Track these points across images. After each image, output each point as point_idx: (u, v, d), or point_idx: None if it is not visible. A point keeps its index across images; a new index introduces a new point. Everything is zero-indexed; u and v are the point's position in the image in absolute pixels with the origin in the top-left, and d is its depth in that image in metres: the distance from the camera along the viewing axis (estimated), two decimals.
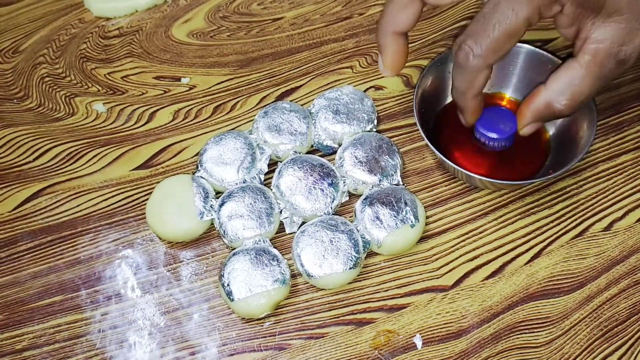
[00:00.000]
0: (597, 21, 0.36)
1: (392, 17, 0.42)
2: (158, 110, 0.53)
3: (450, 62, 0.48)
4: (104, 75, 0.55)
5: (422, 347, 0.42)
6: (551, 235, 0.46)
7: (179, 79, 0.54)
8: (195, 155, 0.50)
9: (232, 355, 0.42)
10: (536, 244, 0.46)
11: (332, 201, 0.46)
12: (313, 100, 0.51)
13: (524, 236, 0.46)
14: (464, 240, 0.46)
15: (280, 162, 0.48)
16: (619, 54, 0.37)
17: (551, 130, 0.49)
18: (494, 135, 0.44)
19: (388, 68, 0.44)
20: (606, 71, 0.37)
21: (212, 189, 0.47)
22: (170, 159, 0.50)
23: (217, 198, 0.46)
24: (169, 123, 0.52)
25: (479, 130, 0.44)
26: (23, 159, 0.50)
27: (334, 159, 0.48)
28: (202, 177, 0.47)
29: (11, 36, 0.57)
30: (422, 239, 0.46)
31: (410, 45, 0.55)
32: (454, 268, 0.45)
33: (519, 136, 0.49)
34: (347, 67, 0.55)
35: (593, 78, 0.38)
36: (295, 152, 0.48)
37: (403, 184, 0.47)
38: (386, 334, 0.42)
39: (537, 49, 0.48)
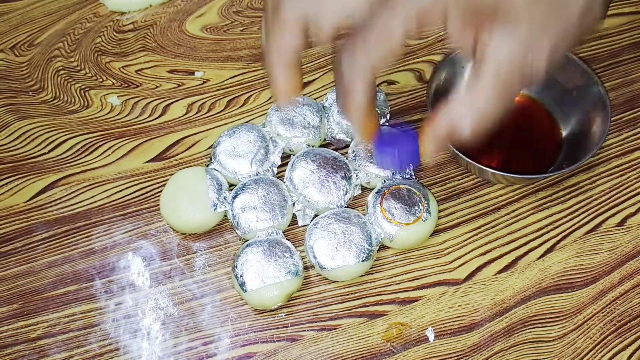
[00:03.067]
0: (493, 32, 0.30)
1: (273, 45, 0.35)
2: (172, 103, 0.53)
3: (463, 58, 0.48)
4: (119, 68, 0.55)
5: (434, 340, 0.42)
6: (564, 230, 0.46)
7: (192, 73, 0.55)
8: (209, 148, 0.50)
9: (244, 345, 0.42)
10: (549, 239, 0.46)
11: (345, 194, 0.46)
12: (326, 94, 0.51)
13: (536, 231, 0.46)
14: (476, 234, 0.46)
15: (293, 155, 0.48)
16: (524, 69, 0.31)
17: (565, 125, 0.48)
18: (391, 158, 0.38)
19: (281, 96, 0.36)
20: (510, 88, 0.32)
21: (225, 181, 0.47)
22: (183, 151, 0.50)
23: (231, 190, 0.46)
24: (182, 116, 0.52)
25: (376, 153, 0.38)
26: (38, 151, 0.50)
27: (346, 152, 0.48)
28: (215, 170, 0.47)
29: (27, 30, 0.58)
30: (435, 232, 0.46)
31: (422, 41, 0.56)
32: (466, 262, 0.45)
33: (532, 130, 0.49)
34: None
35: (496, 98, 0.32)
36: (308, 145, 0.48)
37: (415, 178, 0.47)
38: (398, 326, 0.42)
39: None
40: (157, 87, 0.54)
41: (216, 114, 0.52)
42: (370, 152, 0.46)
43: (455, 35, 0.32)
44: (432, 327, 0.42)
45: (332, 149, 0.49)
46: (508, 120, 0.49)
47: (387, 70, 0.54)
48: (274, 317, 0.43)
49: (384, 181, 0.46)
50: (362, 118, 0.36)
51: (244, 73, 0.54)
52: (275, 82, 0.35)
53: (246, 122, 0.52)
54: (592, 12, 0.31)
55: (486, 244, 0.46)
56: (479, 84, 0.32)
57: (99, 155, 0.50)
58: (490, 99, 0.32)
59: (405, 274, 0.44)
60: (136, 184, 0.49)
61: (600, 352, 0.42)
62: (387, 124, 0.49)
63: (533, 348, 0.42)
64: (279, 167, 0.48)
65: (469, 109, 0.33)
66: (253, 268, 0.42)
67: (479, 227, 0.46)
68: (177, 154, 0.50)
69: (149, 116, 0.52)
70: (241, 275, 0.42)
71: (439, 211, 0.47)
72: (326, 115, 0.49)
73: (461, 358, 0.41)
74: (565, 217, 0.47)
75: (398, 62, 0.54)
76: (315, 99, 0.51)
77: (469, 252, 0.45)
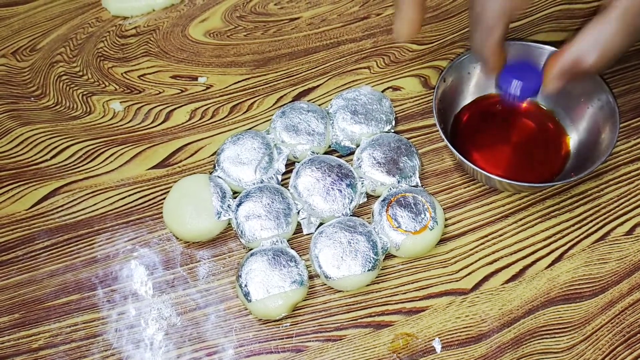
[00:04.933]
0: None
1: None
2: (175, 109, 0.52)
3: (469, 64, 0.48)
4: (121, 74, 0.54)
5: (441, 351, 0.41)
6: (572, 239, 0.45)
7: (195, 79, 0.54)
8: (212, 154, 0.50)
9: (249, 356, 0.42)
10: (557, 248, 0.45)
11: (350, 202, 0.45)
12: (330, 100, 0.51)
13: (544, 239, 0.45)
14: (483, 243, 0.45)
15: (298, 162, 0.47)
16: None
17: (572, 132, 0.48)
18: (515, 85, 0.42)
19: (400, 30, 0.42)
20: (636, 22, 0.36)
21: (229, 188, 0.46)
22: (187, 158, 0.50)
23: (235, 198, 0.46)
24: (185, 122, 0.52)
25: (500, 80, 0.43)
26: (40, 157, 0.50)
27: (351, 159, 0.48)
28: (219, 177, 0.47)
29: (29, 34, 0.57)
30: (441, 241, 0.45)
31: (428, 47, 0.55)
32: (473, 271, 0.44)
33: (539, 138, 0.49)
34: (364, 68, 0.54)
35: (624, 32, 0.36)
36: (312, 152, 0.48)
37: (422, 186, 0.47)
38: (405, 337, 0.42)
39: (558, 50, 0.47)
40: (160, 92, 0.53)
41: (220, 120, 0.52)
42: (376, 160, 0.46)
43: None
44: (439, 337, 0.42)
45: (337, 156, 0.48)
46: (515, 128, 0.50)
47: (392, 76, 0.54)
48: (279, 327, 0.42)
49: (390, 189, 0.46)
50: (495, 55, 0.41)
51: (248, 78, 0.54)
52: (399, 16, 0.41)
53: (250, 128, 0.51)
54: None
55: (493, 252, 0.45)
56: (606, 22, 0.36)
57: (101, 162, 0.50)
58: (618, 33, 0.36)
59: (412, 283, 0.44)
60: (139, 192, 0.48)
61: None
62: (392, 130, 0.49)
63: (541, 359, 0.41)
64: (283, 174, 0.47)
65: (596, 42, 0.37)
66: (257, 277, 0.42)
67: (486, 236, 0.46)
68: (181, 161, 0.50)
69: (152, 122, 0.52)
70: (245, 285, 0.42)
71: (446, 219, 0.46)
72: (331, 122, 0.49)
73: None
74: (573, 225, 0.46)
75: (403, 68, 0.54)
76: (319, 105, 0.51)
77: (476, 261, 0.45)
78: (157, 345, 0.42)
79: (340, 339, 0.42)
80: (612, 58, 0.38)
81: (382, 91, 0.52)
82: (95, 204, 0.48)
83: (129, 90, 0.53)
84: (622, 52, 0.37)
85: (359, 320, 0.43)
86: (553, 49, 0.47)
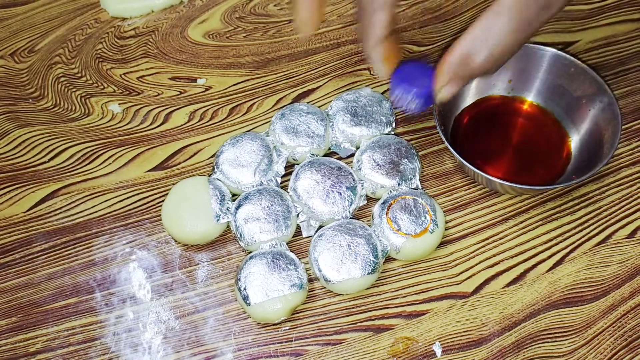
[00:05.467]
0: None
1: None
2: (174, 111, 0.52)
3: None
4: (120, 75, 0.54)
5: (441, 355, 0.41)
6: (574, 242, 0.45)
7: (194, 80, 0.54)
8: (212, 156, 0.49)
9: None
10: (558, 251, 0.45)
11: (350, 205, 0.45)
12: (330, 102, 0.51)
13: (545, 242, 0.45)
14: (484, 246, 0.45)
15: (297, 164, 0.47)
16: (539, 2, 0.32)
17: (574, 134, 0.48)
18: (406, 90, 0.38)
19: (300, 24, 0.38)
20: (529, 15, 0.32)
21: (228, 191, 0.46)
22: (186, 160, 0.49)
23: (234, 200, 0.46)
24: (184, 124, 0.51)
25: (391, 87, 0.39)
26: (38, 159, 0.50)
27: (351, 162, 0.48)
28: (218, 179, 0.46)
29: (27, 36, 0.57)
30: (442, 244, 0.45)
31: (428, 48, 0.55)
32: (474, 274, 0.44)
33: (540, 140, 0.48)
34: (364, 69, 0.54)
35: (514, 26, 0.32)
36: (312, 154, 0.47)
37: (422, 188, 0.46)
38: (405, 341, 0.42)
39: (559, 52, 0.47)
40: (158, 94, 0.53)
41: (219, 122, 0.51)
42: (376, 162, 0.46)
43: None
44: (439, 341, 0.41)
45: (337, 159, 0.48)
46: (516, 130, 0.49)
47: None
48: (278, 331, 0.42)
49: (390, 192, 0.45)
50: (381, 52, 0.37)
51: (247, 80, 0.54)
52: (296, 15, 0.38)
53: (249, 130, 0.51)
54: None
55: (494, 256, 0.45)
56: (495, 15, 0.33)
57: (99, 164, 0.49)
58: (508, 25, 0.33)
59: (412, 286, 0.44)
60: (137, 194, 0.48)
61: None
62: (392, 133, 0.49)
63: None
64: (282, 177, 0.47)
65: (485, 36, 0.33)
66: (256, 281, 0.41)
67: (486, 239, 0.45)
68: (179, 163, 0.49)
69: (151, 124, 0.51)
70: (244, 289, 0.41)
71: (446, 222, 0.46)
72: (331, 124, 0.49)
73: None
74: (574, 228, 0.46)
75: None
76: (319, 107, 0.50)
77: (477, 264, 0.44)
78: (155, 349, 0.42)
79: (340, 343, 0.42)
80: (504, 55, 0.34)
81: (382, 93, 0.52)
82: (93, 207, 0.47)
83: (127, 92, 0.53)
84: (514, 48, 0.34)
85: (358, 324, 0.42)
86: (554, 50, 0.47)
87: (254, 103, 0.52)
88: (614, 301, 0.43)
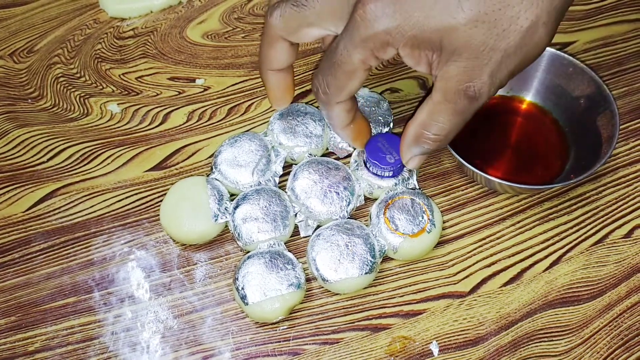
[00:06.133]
0: (440, 60, 0.34)
1: (263, 56, 0.41)
2: (172, 111, 0.52)
3: None
4: (119, 75, 0.54)
5: (438, 355, 0.41)
6: (570, 242, 0.45)
7: (193, 80, 0.54)
8: (210, 156, 0.50)
9: (245, 359, 0.41)
10: (555, 251, 0.45)
11: (348, 205, 0.45)
12: None
13: (542, 242, 0.45)
14: (481, 246, 0.45)
15: (295, 164, 0.47)
16: (468, 91, 0.34)
17: (572, 135, 0.48)
18: (379, 160, 0.44)
19: (273, 102, 0.45)
20: (460, 107, 0.35)
21: (226, 191, 0.46)
22: (184, 160, 0.50)
23: (232, 200, 0.46)
24: (183, 124, 0.51)
25: (366, 155, 0.44)
26: (37, 159, 0.50)
27: (349, 162, 0.48)
28: (216, 179, 0.47)
29: (26, 36, 0.57)
30: (439, 244, 0.45)
31: None
32: (471, 274, 0.44)
33: (538, 139, 0.49)
34: None
35: (449, 114, 0.36)
36: (310, 154, 0.48)
37: (419, 188, 0.47)
38: (402, 340, 0.42)
39: (557, 52, 0.47)
40: (157, 94, 0.53)
41: (217, 122, 0.52)
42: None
43: (413, 65, 0.36)
44: (436, 340, 0.42)
45: (335, 159, 0.48)
46: (514, 130, 0.49)
47: (390, 78, 0.54)
48: (276, 330, 0.42)
49: (388, 192, 0.46)
50: (349, 132, 0.42)
51: (246, 80, 0.54)
52: (266, 86, 0.43)
53: (247, 130, 0.51)
54: (534, 39, 0.33)
55: (491, 255, 0.45)
56: (434, 100, 0.36)
57: (98, 164, 0.50)
58: (443, 114, 0.36)
59: (409, 286, 0.44)
60: (136, 194, 0.48)
61: None
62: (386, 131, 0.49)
63: None
64: (280, 177, 0.47)
65: (429, 121, 0.37)
66: (254, 280, 0.41)
67: (484, 238, 0.46)
68: (178, 163, 0.49)
69: (149, 124, 0.52)
70: (242, 288, 0.41)
71: (443, 222, 0.46)
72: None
73: None
74: (571, 228, 0.46)
75: (401, 70, 0.54)
76: (317, 107, 0.51)
77: (474, 263, 0.45)
78: (154, 348, 0.42)
79: (337, 342, 0.42)
80: (447, 135, 0.37)
81: (380, 93, 0.52)
82: (92, 206, 0.48)
83: (126, 92, 0.53)
84: (454, 130, 0.37)
85: (356, 323, 0.42)
86: (553, 50, 0.47)
87: (253, 103, 0.53)
88: (610, 301, 0.43)
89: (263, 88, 0.53)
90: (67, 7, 0.59)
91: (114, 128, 0.51)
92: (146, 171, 0.49)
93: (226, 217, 0.45)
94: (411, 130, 0.38)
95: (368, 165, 0.45)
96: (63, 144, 0.51)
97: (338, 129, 0.42)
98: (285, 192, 0.46)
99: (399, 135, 0.41)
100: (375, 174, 0.45)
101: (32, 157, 0.50)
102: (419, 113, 0.37)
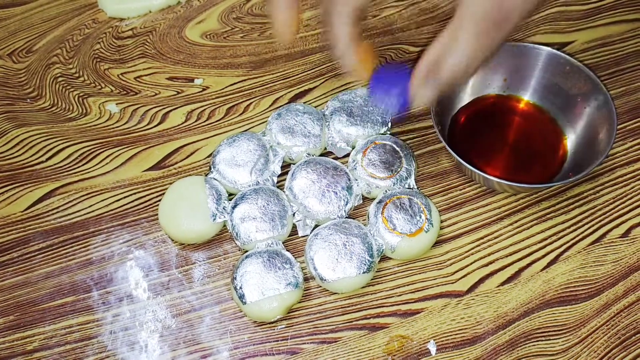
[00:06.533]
0: None
1: None
2: (171, 111, 0.52)
3: None
4: (117, 75, 0.54)
5: (436, 354, 0.41)
6: (568, 241, 0.45)
7: (192, 80, 0.54)
8: (208, 156, 0.50)
9: (243, 359, 0.41)
10: (553, 250, 0.45)
11: (346, 204, 0.45)
12: (326, 102, 0.51)
13: (540, 242, 0.45)
14: (479, 245, 0.45)
15: (294, 164, 0.47)
16: (499, 16, 0.32)
17: (570, 134, 0.48)
18: (384, 93, 0.39)
19: (278, 35, 0.40)
20: (489, 34, 0.33)
21: (224, 190, 0.46)
22: (183, 160, 0.50)
23: (230, 200, 0.46)
24: (182, 124, 0.52)
25: (370, 88, 0.40)
26: (36, 159, 0.50)
27: (347, 161, 0.48)
28: (214, 179, 0.47)
29: (25, 36, 0.57)
30: (437, 243, 0.45)
31: (425, 48, 0.55)
32: (468, 273, 0.44)
33: (536, 138, 0.48)
34: None
35: (476, 41, 0.33)
36: (308, 154, 0.48)
37: (417, 188, 0.47)
38: (400, 339, 0.42)
39: (555, 51, 0.47)
40: (156, 94, 0.53)
41: (216, 121, 0.52)
42: (371, 162, 0.46)
43: None
44: (434, 340, 0.42)
45: (333, 158, 0.48)
46: (512, 129, 0.49)
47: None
48: (274, 329, 0.42)
49: (386, 191, 0.46)
50: (353, 59, 0.38)
51: (244, 80, 0.54)
52: (275, 17, 0.39)
53: (246, 130, 0.51)
54: None
55: (489, 255, 0.45)
56: (458, 30, 0.33)
57: (97, 164, 0.50)
58: (469, 43, 0.33)
59: (407, 285, 0.44)
60: (134, 193, 0.48)
61: None
62: (388, 132, 0.49)
63: None
64: (279, 176, 0.47)
65: (449, 49, 0.34)
66: (252, 280, 0.42)
67: (481, 238, 0.46)
68: (176, 163, 0.50)
69: (148, 124, 0.52)
70: (240, 287, 0.42)
71: (441, 221, 0.46)
72: (327, 123, 0.49)
73: None
74: (569, 227, 0.46)
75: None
76: (315, 107, 0.51)
77: (472, 263, 0.45)
78: (152, 347, 0.42)
79: (335, 341, 0.42)
80: (470, 65, 0.35)
81: None
82: (90, 206, 0.48)
83: (125, 92, 0.53)
84: (479, 58, 0.34)
85: (354, 323, 0.42)
86: (550, 49, 0.47)
87: (251, 103, 0.53)
88: (607, 300, 0.43)
89: (262, 88, 0.53)
90: (66, 7, 0.59)
91: (113, 128, 0.51)
92: (145, 171, 0.49)
93: (224, 217, 0.45)
94: (426, 59, 0.35)
95: (373, 98, 0.40)
96: (62, 143, 0.51)
97: (342, 43, 0.37)
98: (284, 191, 0.46)
99: (410, 69, 0.38)
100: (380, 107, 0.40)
101: (30, 156, 0.50)
102: (436, 41, 0.35)
